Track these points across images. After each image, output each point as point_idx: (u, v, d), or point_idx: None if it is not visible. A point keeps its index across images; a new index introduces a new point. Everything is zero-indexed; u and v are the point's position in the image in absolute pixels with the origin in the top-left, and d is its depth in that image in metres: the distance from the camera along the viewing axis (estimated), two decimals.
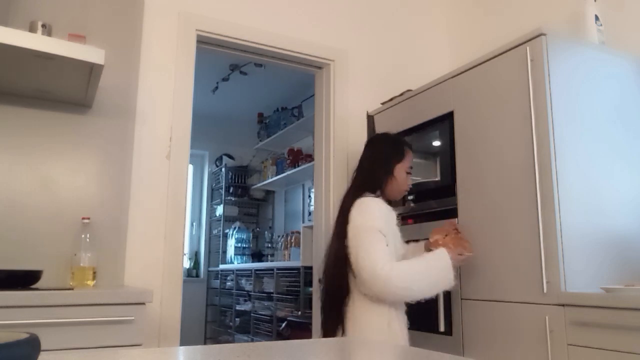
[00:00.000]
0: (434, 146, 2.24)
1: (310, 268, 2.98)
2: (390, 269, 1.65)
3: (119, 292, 1.59)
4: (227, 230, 5.51)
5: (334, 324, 1.82)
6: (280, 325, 4.19)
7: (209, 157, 5.83)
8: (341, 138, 2.79)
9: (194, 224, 5.77)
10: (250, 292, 4.80)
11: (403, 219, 2.11)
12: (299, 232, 4.44)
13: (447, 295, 1.98)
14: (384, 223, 1.74)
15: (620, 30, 2.19)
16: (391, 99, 2.63)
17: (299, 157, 4.79)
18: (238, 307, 5.02)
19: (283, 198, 5.56)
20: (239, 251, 5.40)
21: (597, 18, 2.14)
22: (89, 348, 1.52)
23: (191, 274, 5.57)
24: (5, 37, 1.57)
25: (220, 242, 5.54)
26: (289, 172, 4.76)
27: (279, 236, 5.14)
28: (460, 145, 2.08)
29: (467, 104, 2.07)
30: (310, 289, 3.13)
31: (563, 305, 1.58)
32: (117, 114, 2.21)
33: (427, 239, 1.97)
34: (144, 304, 1.61)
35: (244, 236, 5.48)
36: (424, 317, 1.96)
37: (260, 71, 4.47)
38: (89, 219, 2.02)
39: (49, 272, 1.91)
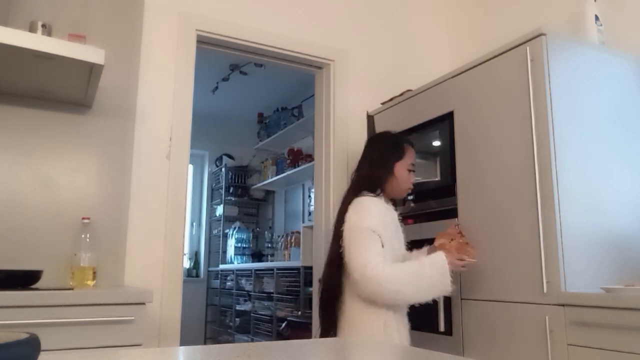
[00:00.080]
0: (434, 146, 2.24)
1: (310, 268, 2.98)
2: (381, 271, 1.62)
3: (119, 292, 1.59)
4: (227, 230, 5.51)
5: (329, 325, 1.81)
6: (280, 325, 4.19)
7: (209, 157, 5.83)
8: (341, 138, 2.79)
9: (194, 224, 5.77)
10: (250, 292, 4.80)
11: (403, 219, 2.11)
12: (299, 232, 4.44)
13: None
14: (379, 223, 1.72)
15: (620, 30, 2.19)
16: (391, 99, 2.63)
17: (299, 157, 4.79)
18: (238, 307, 5.02)
19: (283, 198, 5.56)
20: (239, 251, 5.40)
21: (597, 18, 2.14)
22: (89, 348, 1.51)
23: (191, 274, 5.57)
24: (5, 37, 1.57)
25: (220, 242, 5.54)
26: (289, 172, 4.76)
27: (279, 236, 5.14)
28: (460, 145, 2.08)
29: (467, 104, 2.07)
30: (310, 289, 3.13)
31: (563, 305, 1.58)
32: (117, 114, 2.21)
33: (428, 239, 1.97)
34: (144, 304, 1.61)
35: (244, 236, 5.48)
36: (424, 317, 1.96)
37: (260, 71, 4.47)
38: (89, 219, 2.02)
39: (49, 272, 1.91)
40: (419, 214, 2.25)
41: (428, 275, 1.68)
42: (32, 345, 0.49)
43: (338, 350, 0.82)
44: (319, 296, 1.92)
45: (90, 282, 1.93)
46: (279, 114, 5.13)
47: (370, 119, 2.71)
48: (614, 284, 1.69)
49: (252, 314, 4.73)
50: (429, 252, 1.87)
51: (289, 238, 4.70)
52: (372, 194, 1.81)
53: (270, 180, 5.18)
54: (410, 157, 1.91)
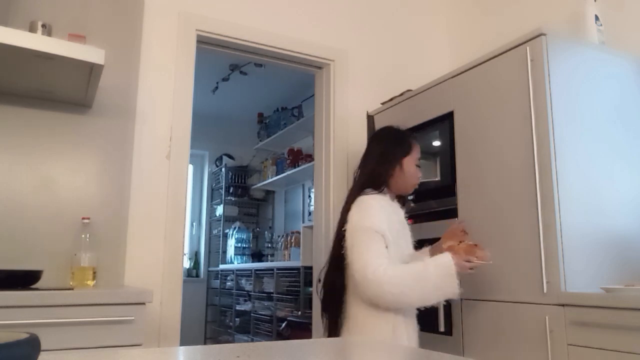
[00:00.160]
0: (434, 146, 2.24)
1: (310, 268, 2.98)
2: (383, 273, 1.56)
3: (119, 292, 1.59)
4: (227, 230, 5.51)
5: (333, 325, 1.77)
6: (280, 325, 4.19)
7: (209, 157, 5.83)
8: (341, 138, 2.79)
9: (194, 224, 5.77)
10: (250, 292, 4.80)
11: None
12: (299, 232, 4.44)
13: None
14: (383, 222, 1.66)
15: (620, 30, 2.19)
16: (391, 99, 2.63)
17: (299, 157, 4.79)
18: (238, 307, 5.02)
19: (283, 198, 5.56)
20: (239, 251, 5.40)
21: (597, 18, 2.14)
22: (89, 348, 1.51)
23: (191, 274, 5.57)
24: (5, 37, 1.57)
25: (220, 242, 5.54)
26: (289, 172, 4.76)
27: (279, 236, 5.14)
28: (460, 145, 2.08)
29: (467, 104, 2.07)
30: (310, 289, 3.13)
31: (563, 305, 1.58)
32: (117, 114, 2.21)
33: (428, 239, 1.97)
34: (144, 304, 1.61)
35: (244, 236, 5.48)
36: (423, 317, 1.96)
37: (260, 71, 4.47)
38: (89, 219, 2.02)
39: (49, 272, 1.91)
40: (419, 214, 2.25)
41: (433, 277, 1.59)
42: (32, 345, 0.49)
43: (338, 350, 0.82)
44: (320, 297, 1.87)
45: (90, 282, 1.93)
46: (279, 114, 5.13)
47: (370, 119, 2.71)
48: (614, 284, 1.69)
49: (252, 314, 4.73)
50: (432, 252, 1.84)
51: (289, 238, 4.70)
52: (375, 192, 1.75)
53: (270, 180, 5.18)
54: (416, 152, 1.87)
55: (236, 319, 5.03)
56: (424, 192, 2.23)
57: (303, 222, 4.85)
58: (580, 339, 1.51)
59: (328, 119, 2.82)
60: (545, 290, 1.63)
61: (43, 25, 1.79)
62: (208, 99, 5.08)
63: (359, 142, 2.78)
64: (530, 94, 1.76)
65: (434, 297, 1.61)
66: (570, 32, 2.32)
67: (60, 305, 1.49)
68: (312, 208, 4.53)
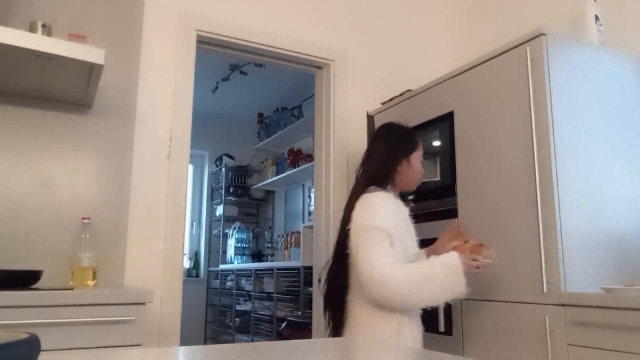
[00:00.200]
0: (434, 146, 2.24)
1: (310, 268, 2.98)
2: (388, 273, 1.52)
3: (119, 292, 1.59)
4: (227, 230, 5.51)
5: (337, 324, 1.74)
6: (280, 325, 4.19)
7: (209, 157, 5.83)
8: (341, 138, 2.79)
9: (194, 224, 5.77)
10: (250, 292, 4.80)
11: None
12: (299, 232, 4.44)
13: None
14: (388, 220, 1.62)
15: (620, 30, 2.19)
16: (391, 99, 2.63)
17: (299, 157, 4.79)
18: (238, 307, 5.02)
19: (283, 198, 5.56)
20: (239, 251, 5.40)
21: (597, 18, 2.14)
22: (89, 348, 1.51)
23: (191, 274, 5.57)
24: (5, 37, 1.57)
25: (220, 242, 5.54)
26: (289, 172, 4.76)
27: (279, 236, 5.14)
28: (460, 145, 2.08)
29: (467, 104, 2.07)
30: (310, 289, 3.13)
31: (563, 305, 1.58)
32: (117, 114, 2.21)
33: (428, 239, 1.97)
34: (144, 304, 1.61)
35: (244, 236, 5.48)
36: (424, 317, 1.96)
37: (260, 71, 4.47)
38: (89, 219, 2.02)
39: (49, 272, 1.91)
40: (419, 214, 2.25)
41: (440, 277, 1.56)
42: (32, 345, 0.49)
43: (338, 350, 0.82)
44: (322, 294, 1.84)
45: (90, 282, 1.93)
46: (279, 114, 5.13)
47: (370, 119, 2.71)
48: (614, 284, 1.69)
49: (252, 314, 4.73)
50: (427, 253, 1.81)
51: (289, 238, 4.70)
52: (379, 189, 1.71)
53: (270, 180, 5.18)
54: (421, 149, 1.85)
55: (236, 319, 5.03)
56: (424, 192, 2.23)
57: (303, 222, 4.85)
58: (580, 339, 1.51)
59: (328, 119, 2.82)
60: (545, 290, 1.63)
61: (43, 25, 1.79)
62: (208, 99, 5.08)
63: (359, 142, 2.78)
64: (530, 94, 1.76)
65: (441, 297, 1.59)
66: (570, 32, 2.32)
67: (60, 305, 1.49)
68: (312, 208, 4.53)
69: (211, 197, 5.82)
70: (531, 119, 1.75)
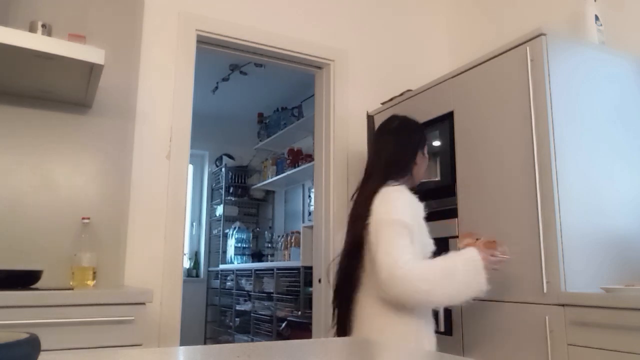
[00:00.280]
0: (434, 146, 2.24)
1: (310, 268, 2.98)
2: (411, 268, 1.45)
3: (119, 292, 1.59)
4: (227, 230, 5.51)
5: (345, 323, 1.64)
6: (280, 325, 4.19)
7: (209, 157, 5.84)
8: (341, 138, 2.79)
9: (194, 224, 5.77)
10: (250, 292, 4.80)
11: None
12: (299, 232, 4.44)
13: None
14: (409, 216, 1.55)
15: (620, 30, 2.19)
16: (391, 99, 2.63)
17: (299, 157, 4.79)
18: (238, 307, 5.02)
19: (283, 198, 5.57)
20: (239, 251, 5.40)
21: (597, 18, 2.14)
22: (89, 348, 1.52)
23: (191, 274, 5.57)
24: (5, 37, 1.57)
25: (220, 242, 5.54)
26: (289, 172, 4.76)
27: (279, 236, 5.14)
28: (460, 145, 2.08)
29: (467, 104, 2.07)
30: (310, 289, 3.13)
31: (563, 305, 1.58)
32: (117, 114, 2.21)
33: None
34: (144, 304, 1.61)
35: (244, 236, 5.48)
36: None
37: (260, 71, 4.47)
38: (89, 219, 2.02)
39: (49, 272, 1.91)
40: None
41: (461, 273, 1.50)
42: (32, 345, 0.49)
43: (338, 350, 0.82)
44: (333, 287, 1.72)
45: (90, 282, 1.93)
46: (279, 114, 5.13)
47: (370, 119, 2.71)
48: (614, 284, 1.69)
49: (252, 314, 4.73)
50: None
51: (289, 238, 4.70)
52: (398, 183, 1.63)
53: (270, 180, 5.18)
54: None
55: (236, 319, 5.03)
56: (424, 192, 2.23)
57: (303, 222, 4.85)
58: (580, 339, 1.51)
59: (328, 119, 2.82)
60: (545, 290, 1.63)
61: (43, 25, 1.79)
62: (208, 99, 5.08)
63: (359, 142, 2.78)
64: (530, 94, 1.76)
65: (462, 294, 1.51)
66: (570, 32, 2.32)
67: (60, 305, 1.49)
68: (312, 208, 4.53)
69: (211, 197, 5.82)
70: (531, 119, 1.75)
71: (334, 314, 1.70)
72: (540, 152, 1.71)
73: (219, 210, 5.58)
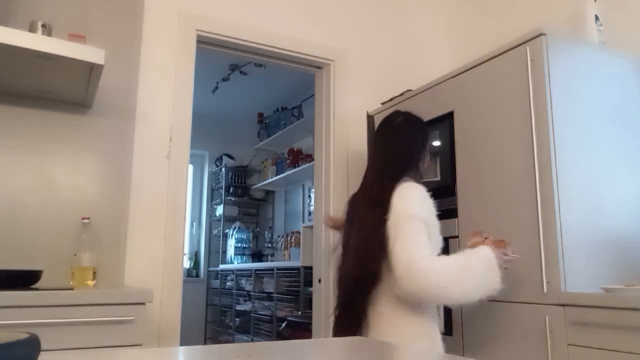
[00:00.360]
0: (434, 146, 2.24)
1: (310, 268, 2.98)
2: (428, 266, 1.42)
3: (119, 292, 1.59)
4: (227, 230, 5.51)
5: (357, 325, 1.56)
6: (280, 325, 4.19)
7: (209, 157, 5.84)
8: (341, 138, 2.79)
9: (194, 224, 5.77)
10: (250, 292, 4.80)
11: None
12: (299, 232, 4.44)
13: None
14: (427, 212, 1.54)
15: (620, 30, 2.19)
16: (391, 99, 2.63)
17: (299, 157, 4.79)
18: (238, 307, 5.02)
19: (283, 198, 5.57)
20: (239, 251, 5.40)
21: (597, 18, 2.14)
22: (89, 348, 1.52)
23: (191, 274, 5.57)
24: (5, 37, 1.57)
25: (220, 242, 5.54)
26: (289, 172, 4.76)
27: (279, 236, 5.14)
28: (460, 145, 2.08)
29: (467, 104, 2.07)
30: (310, 289, 3.13)
31: (563, 305, 1.58)
32: (117, 114, 2.21)
33: None
34: (144, 304, 1.61)
35: (244, 236, 5.48)
36: None
37: (260, 71, 4.47)
38: (89, 219, 2.02)
39: (49, 272, 1.91)
40: None
41: (477, 270, 1.49)
42: (32, 345, 0.49)
43: (338, 350, 0.82)
44: (341, 291, 1.65)
45: (90, 282, 1.93)
46: (279, 114, 5.13)
47: (370, 119, 2.71)
48: (614, 284, 1.69)
49: (252, 314, 4.73)
50: None
51: (289, 238, 4.70)
52: (412, 180, 1.61)
53: (270, 180, 5.18)
54: None
55: (236, 319, 5.03)
56: None
57: (303, 222, 4.85)
58: (580, 339, 1.51)
59: (328, 119, 2.82)
60: (545, 290, 1.63)
61: (43, 25, 1.79)
62: (208, 99, 5.08)
63: (359, 142, 2.78)
64: (530, 94, 1.76)
65: (477, 293, 1.48)
66: (570, 32, 2.32)
67: (60, 305, 1.49)
68: (312, 208, 4.53)
69: (211, 197, 5.82)
70: (531, 119, 1.75)
71: (343, 312, 1.63)
72: (540, 152, 1.71)
73: (219, 210, 5.58)
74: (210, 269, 5.65)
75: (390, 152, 1.68)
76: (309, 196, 4.87)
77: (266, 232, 5.59)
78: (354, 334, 1.53)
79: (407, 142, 1.69)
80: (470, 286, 1.48)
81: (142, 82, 2.32)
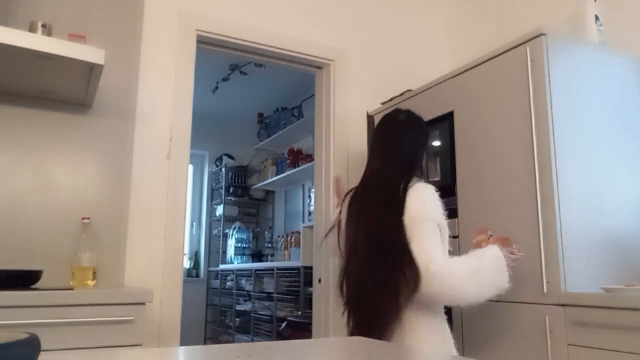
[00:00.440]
0: (434, 146, 2.24)
1: (310, 268, 2.98)
2: (444, 265, 1.44)
3: (119, 292, 1.59)
4: (227, 230, 5.51)
5: (376, 329, 1.50)
6: (280, 325, 4.19)
7: (209, 157, 5.84)
8: (341, 138, 2.79)
9: (194, 224, 5.77)
10: (250, 292, 4.80)
11: None
12: (299, 232, 4.44)
13: None
14: (439, 213, 1.54)
15: (620, 30, 2.19)
16: (391, 99, 2.63)
17: (299, 157, 4.79)
18: (238, 307, 5.02)
19: (283, 198, 5.57)
20: (239, 251, 5.40)
21: (597, 18, 2.14)
22: (89, 348, 1.52)
23: (191, 274, 5.57)
24: (5, 37, 1.57)
25: (220, 242, 5.54)
26: (289, 172, 4.76)
27: (279, 236, 5.14)
28: (460, 145, 2.08)
29: (467, 104, 2.07)
30: (310, 289, 3.13)
31: (563, 305, 1.58)
32: (117, 114, 2.21)
33: None
34: (144, 304, 1.61)
35: (244, 236, 5.48)
36: None
37: (260, 71, 4.47)
38: (89, 219, 2.02)
39: (49, 272, 1.91)
40: None
41: (488, 270, 1.51)
42: (32, 345, 0.49)
43: (338, 350, 0.82)
44: (357, 292, 1.60)
45: (90, 282, 1.93)
46: (279, 114, 5.13)
47: (370, 119, 2.71)
48: (614, 284, 1.69)
49: (252, 314, 4.73)
50: None
51: (289, 238, 4.70)
52: (423, 180, 1.61)
53: (270, 180, 5.18)
54: None
55: (236, 319, 5.03)
56: None
57: (303, 222, 4.85)
58: (580, 339, 1.51)
59: (328, 119, 2.82)
60: (545, 290, 1.63)
61: (43, 25, 1.79)
62: (208, 99, 5.08)
63: (359, 142, 2.78)
64: (530, 94, 1.76)
65: (487, 292, 1.50)
66: (570, 32, 2.32)
67: (60, 305, 1.49)
68: (312, 208, 4.53)
69: (211, 197, 5.82)
70: (531, 119, 1.75)
71: (361, 314, 1.58)
72: (540, 152, 1.71)
73: (219, 210, 5.58)
74: (210, 269, 5.65)
75: (397, 150, 1.66)
76: (309, 196, 4.87)
77: (266, 232, 5.59)
78: (376, 337, 1.48)
79: (412, 140, 1.68)
80: (484, 287, 1.49)
81: (142, 82, 2.32)
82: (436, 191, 1.59)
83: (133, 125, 2.26)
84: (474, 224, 1.94)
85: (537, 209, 1.69)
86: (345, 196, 1.77)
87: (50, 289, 1.56)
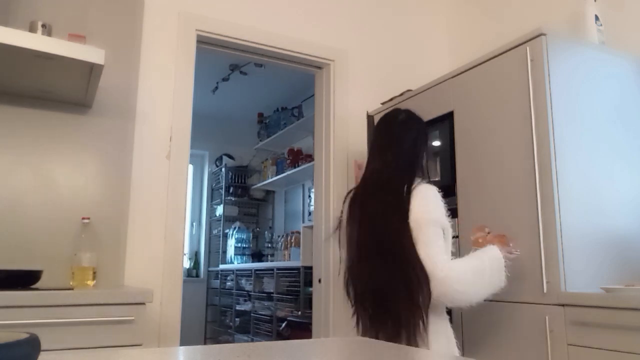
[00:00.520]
0: (434, 146, 2.24)
1: (310, 268, 2.98)
2: (449, 269, 1.46)
3: (119, 292, 1.59)
4: (227, 230, 5.51)
5: (390, 330, 1.50)
6: (280, 325, 4.19)
7: (209, 157, 5.84)
8: (341, 138, 2.79)
9: (194, 224, 5.77)
10: (250, 292, 4.80)
11: None
12: (299, 232, 4.44)
13: None
14: (443, 214, 1.54)
15: (620, 30, 2.19)
16: (391, 99, 2.63)
17: (299, 157, 4.79)
18: (238, 307, 5.02)
19: (283, 198, 5.57)
20: (239, 251, 5.40)
21: (597, 18, 2.14)
22: (89, 348, 1.52)
23: (191, 274, 5.57)
24: (5, 37, 1.57)
25: (220, 242, 5.54)
26: (289, 172, 4.76)
27: (279, 236, 5.14)
28: (460, 145, 2.08)
29: (467, 104, 2.07)
30: (310, 289, 3.13)
31: (563, 305, 1.58)
32: (117, 114, 2.21)
33: None
34: (144, 304, 1.61)
35: (244, 236, 5.48)
36: None
37: (260, 71, 4.47)
38: (89, 219, 2.02)
39: (49, 272, 1.91)
40: None
41: (488, 271, 1.53)
42: (32, 345, 0.49)
43: (338, 350, 0.82)
44: (365, 296, 1.59)
45: (90, 282, 1.93)
46: (279, 114, 5.13)
47: (370, 119, 2.71)
48: (614, 284, 1.69)
49: (252, 314, 4.73)
50: None
51: (289, 238, 4.70)
52: (426, 181, 1.61)
53: (270, 180, 5.18)
54: None
55: (236, 319, 5.03)
56: None
57: (303, 222, 4.85)
58: (580, 339, 1.51)
59: (328, 119, 2.82)
60: (545, 290, 1.63)
61: (43, 25, 1.79)
62: (208, 99, 5.08)
63: (359, 142, 2.78)
64: (530, 94, 1.76)
65: (486, 292, 1.53)
66: (570, 32, 2.32)
67: (60, 305, 1.49)
68: (312, 208, 4.53)
69: (211, 197, 5.82)
70: (531, 119, 1.75)
71: (369, 316, 1.57)
72: (540, 152, 1.71)
73: (219, 210, 5.58)
74: (210, 269, 5.65)
75: (397, 150, 1.66)
76: (309, 196, 4.87)
77: (266, 232, 5.59)
78: (390, 339, 1.49)
79: (412, 140, 1.68)
80: (485, 287, 1.53)
81: (142, 82, 2.32)
82: (439, 192, 1.59)
83: (133, 125, 2.26)
84: (474, 224, 1.94)
85: (537, 209, 1.69)
86: (345, 196, 1.77)
87: (50, 289, 1.56)
